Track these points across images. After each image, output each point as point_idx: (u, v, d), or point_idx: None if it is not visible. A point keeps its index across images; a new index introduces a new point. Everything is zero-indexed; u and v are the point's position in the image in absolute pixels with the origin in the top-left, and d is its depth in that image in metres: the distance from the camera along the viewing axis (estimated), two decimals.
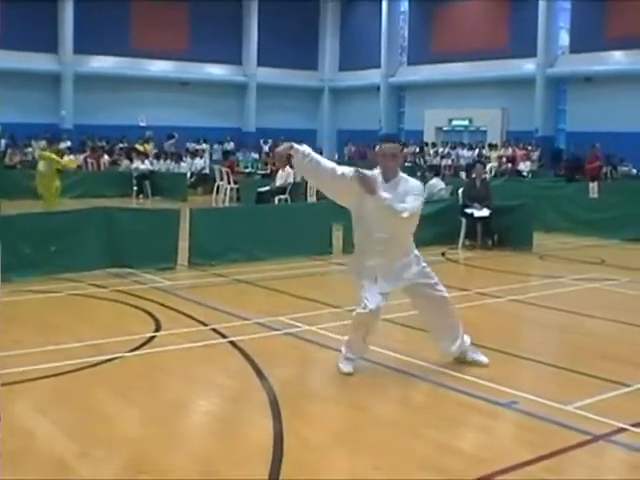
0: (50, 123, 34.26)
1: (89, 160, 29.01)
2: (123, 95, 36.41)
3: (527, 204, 15.02)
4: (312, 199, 18.85)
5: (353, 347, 6.75)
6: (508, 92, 34.43)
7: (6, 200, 17.11)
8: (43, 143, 26.45)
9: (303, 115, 42.16)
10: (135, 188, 23.98)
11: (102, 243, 11.16)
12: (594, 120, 30.93)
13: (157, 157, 28.03)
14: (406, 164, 27.89)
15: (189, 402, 6.14)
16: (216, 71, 39.69)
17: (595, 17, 31.48)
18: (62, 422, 5.51)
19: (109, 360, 6.92)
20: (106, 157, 29.70)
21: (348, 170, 6.62)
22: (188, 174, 26.11)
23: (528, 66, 33.69)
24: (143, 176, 24.35)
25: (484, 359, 6.99)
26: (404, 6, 40.25)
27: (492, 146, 32.92)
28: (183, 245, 11.82)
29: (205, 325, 8.24)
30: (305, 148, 6.53)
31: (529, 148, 31.72)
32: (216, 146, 35.44)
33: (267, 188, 19.77)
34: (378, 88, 39.75)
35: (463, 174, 27.67)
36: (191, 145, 33.60)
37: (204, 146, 33.62)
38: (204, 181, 25.99)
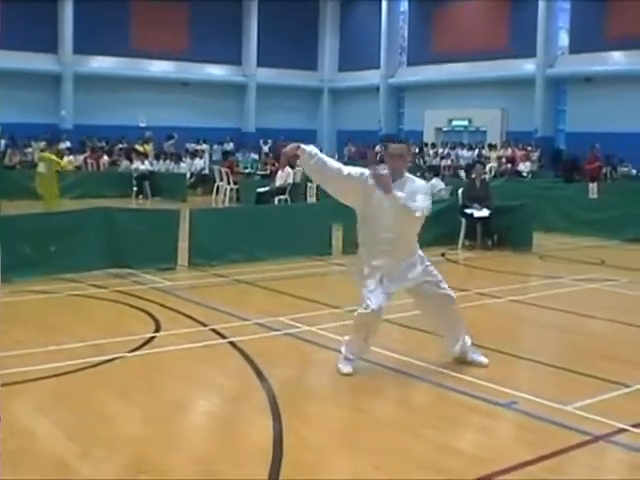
0: (50, 123, 34.26)
1: (89, 160, 29.00)
2: (123, 95, 36.41)
3: (527, 204, 15.02)
4: (312, 199, 18.84)
5: (353, 347, 6.75)
6: (508, 92, 34.43)
7: (6, 200, 17.11)
8: (42, 144, 26.46)
9: (303, 115, 42.16)
10: (135, 188, 23.96)
11: (102, 243, 11.17)
12: (594, 120, 30.93)
13: (157, 157, 28.03)
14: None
15: (189, 402, 6.14)
16: (216, 71, 39.69)
17: (595, 17, 31.48)
18: (62, 422, 5.52)
19: (109, 360, 6.92)
20: (106, 157, 29.69)
21: (354, 170, 6.68)
22: (188, 174, 26.11)
23: (528, 66, 33.68)
24: (143, 176, 24.33)
25: (484, 359, 7.00)
26: (404, 6, 40.24)
27: (492, 146, 32.92)
28: (183, 245, 11.82)
29: (205, 325, 8.24)
30: (312, 148, 6.57)
31: (529, 148, 31.71)
32: (215, 146, 35.44)
33: (267, 188, 19.78)
34: (378, 88, 39.74)
35: (462, 172, 27.74)
36: (191, 145, 33.59)
37: (204, 146, 33.61)
38: (204, 181, 25.99)
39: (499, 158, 31.50)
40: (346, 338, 6.86)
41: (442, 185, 16.79)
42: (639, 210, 16.16)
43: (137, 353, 7.19)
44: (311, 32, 42.47)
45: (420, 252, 6.82)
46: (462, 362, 6.97)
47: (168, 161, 27.69)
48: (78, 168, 26.95)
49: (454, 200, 15.26)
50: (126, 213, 12.30)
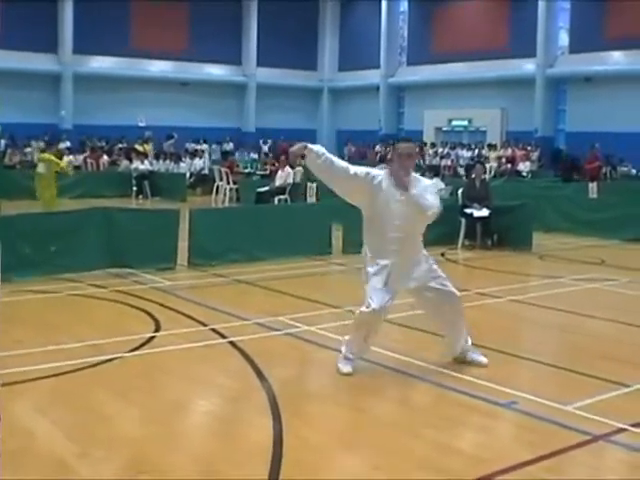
0: (50, 123, 34.25)
1: (88, 160, 29.01)
2: (122, 95, 36.40)
3: (527, 204, 15.02)
4: (312, 199, 18.84)
5: (353, 347, 6.75)
6: (508, 92, 34.42)
7: (6, 200, 17.12)
8: (41, 145, 26.44)
9: (302, 115, 42.15)
10: (134, 188, 23.96)
11: (102, 243, 11.17)
12: (594, 120, 30.92)
13: (156, 157, 28.03)
14: None
15: (189, 402, 6.14)
16: (216, 71, 39.68)
17: (595, 17, 31.48)
18: (62, 422, 5.51)
19: (109, 360, 6.92)
20: (105, 157, 29.70)
21: (360, 170, 6.70)
22: (187, 174, 26.11)
23: (528, 66, 33.68)
24: (142, 176, 24.33)
25: (484, 359, 7.00)
26: (403, 6, 40.22)
27: (491, 146, 32.91)
28: (183, 245, 11.82)
29: (205, 325, 8.24)
30: (319, 148, 6.60)
31: (529, 148, 31.72)
32: (215, 146, 35.43)
33: (266, 188, 19.79)
34: (377, 88, 39.73)
35: (462, 170, 27.79)
36: (190, 145, 33.60)
37: (204, 146, 33.61)
38: (203, 181, 25.99)
39: (499, 158, 31.49)
40: (346, 338, 6.86)
41: (442, 185, 16.73)
42: (639, 210, 16.16)
43: (137, 353, 7.19)
44: (311, 32, 42.46)
45: (424, 251, 6.84)
46: (462, 362, 6.98)
47: (168, 161, 27.70)
48: (77, 168, 26.92)
49: (454, 200, 15.26)
50: (126, 213, 12.30)
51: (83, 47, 34.98)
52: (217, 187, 23.44)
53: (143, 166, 24.92)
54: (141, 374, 6.65)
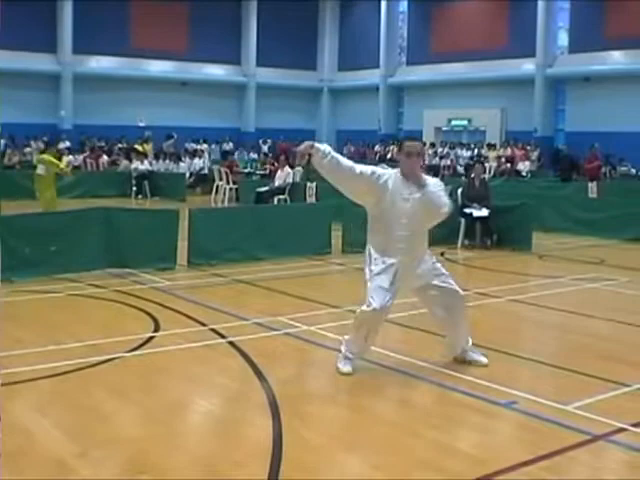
0: (49, 123, 34.26)
1: (88, 160, 29.02)
2: (122, 95, 36.39)
3: (526, 204, 15.01)
4: (311, 199, 18.86)
5: (353, 346, 6.74)
6: (507, 92, 34.43)
7: (5, 200, 17.11)
8: (41, 145, 26.41)
9: (302, 115, 42.15)
10: (134, 188, 23.97)
11: (101, 243, 11.17)
12: (593, 120, 30.95)
13: (156, 157, 28.03)
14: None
15: (188, 402, 6.14)
16: (215, 71, 39.67)
17: (594, 17, 31.48)
18: (62, 422, 5.51)
19: (108, 360, 6.91)
20: (105, 157, 29.71)
21: (366, 169, 6.71)
22: (187, 174, 26.11)
23: (527, 66, 33.69)
24: (142, 176, 24.33)
25: (483, 359, 7.00)
26: (403, 6, 40.22)
27: (491, 146, 32.91)
28: (182, 245, 11.82)
29: (204, 325, 8.24)
30: (325, 147, 6.60)
31: (528, 148, 31.72)
32: (214, 146, 35.42)
33: (266, 188, 19.79)
34: (377, 88, 39.74)
35: (461, 169, 27.77)
36: (190, 145, 33.60)
37: (204, 146, 33.61)
38: (203, 181, 26.00)
39: (498, 158, 31.49)
40: (346, 337, 6.85)
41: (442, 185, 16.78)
42: (638, 209, 16.16)
43: (136, 353, 7.19)
44: (310, 32, 42.46)
45: (428, 250, 6.87)
46: (462, 362, 6.98)
47: (167, 161, 27.70)
48: (77, 168, 26.91)
49: (453, 200, 15.22)
50: (125, 213, 12.29)
51: (83, 47, 34.97)
52: (217, 187, 23.45)
53: (143, 166, 24.92)
54: (140, 374, 6.65)
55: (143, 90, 37.00)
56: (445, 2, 37.14)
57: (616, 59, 31.40)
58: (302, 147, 6.67)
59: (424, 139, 36.31)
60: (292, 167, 19.88)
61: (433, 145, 35.38)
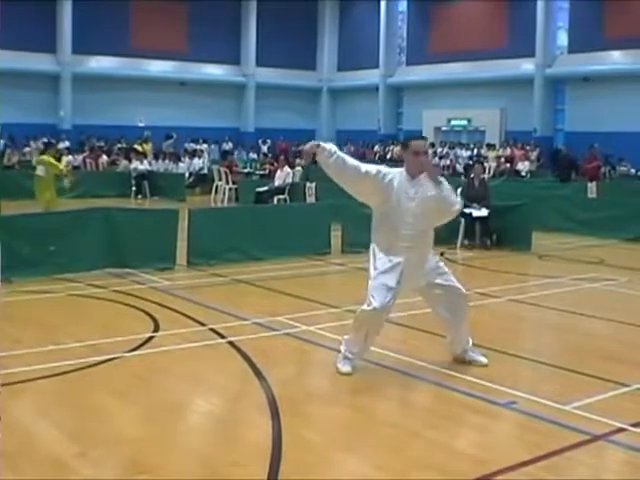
0: (49, 123, 34.27)
1: (88, 160, 29.01)
2: (122, 95, 36.39)
3: (526, 204, 15.00)
4: (311, 199, 18.86)
5: (353, 346, 6.73)
6: (507, 92, 34.43)
7: (5, 200, 17.09)
8: (40, 145, 26.37)
9: (302, 115, 42.16)
10: (134, 188, 23.96)
11: (101, 243, 11.16)
12: (592, 120, 30.96)
13: (156, 157, 28.02)
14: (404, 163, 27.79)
15: (188, 402, 6.14)
16: (215, 71, 39.67)
17: (593, 17, 31.49)
18: (61, 422, 5.51)
19: (108, 360, 6.91)
20: (105, 157, 29.70)
21: (372, 168, 6.73)
22: (186, 174, 26.11)
23: (527, 66, 33.69)
24: (142, 176, 24.32)
25: (483, 359, 7.00)
26: (402, 6, 40.23)
27: (490, 146, 32.92)
28: (182, 245, 11.81)
29: (204, 325, 8.23)
30: (331, 147, 6.61)
31: (527, 148, 31.73)
32: (213, 146, 35.40)
33: (266, 188, 19.80)
34: (377, 88, 39.74)
35: (460, 167, 27.73)
36: (189, 145, 33.59)
37: (204, 146, 33.60)
38: (202, 181, 26.00)
39: (498, 158, 31.50)
40: (346, 337, 6.85)
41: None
42: (638, 209, 16.17)
43: (136, 353, 7.18)
44: (310, 32, 42.46)
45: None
46: (462, 362, 6.98)
47: (167, 161, 27.70)
48: (77, 168, 26.90)
49: None
50: (125, 213, 12.28)
51: (82, 47, 34.96)
52: (216, 187, 23.45)
53: (142, 166, 24.91)
54: (140, 374, 6.64)
55: (142, 90, 37.00)
56: (445, 2, 37.15)
57: (615, 59, 31.40)
58: (308, 146, 6.69)
59: None
60: (292, 167, 19.88)
61: (433, 145, 35.30)
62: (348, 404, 6.06)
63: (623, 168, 29.15)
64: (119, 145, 32.26)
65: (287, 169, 20.13)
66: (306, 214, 13.87)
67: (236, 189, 22.68)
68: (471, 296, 9.78)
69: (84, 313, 8.94)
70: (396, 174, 6.70)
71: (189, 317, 8.59)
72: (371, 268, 6.71)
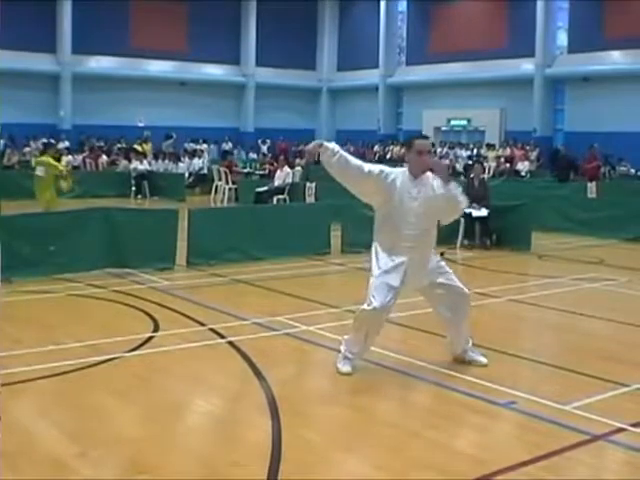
0: (49, 123, 34.26)
1: (87, 160, 29.00)
2: (121, 95, 36.38)
3: (525, 204, 15.00)
4: (310, 199, 18.85)
5: (353, 346, 6.73)
6: (506, 92, 34.44)
7: (5, 200, 17.09)
8: (40, 145, 26.35)
9: (301, 115, 42.16)
10: (133, 188, 23.97)
11: (101, 243, 11.16)
12: (592, 120, 30.96)
13: (155, 157, 28.02)
14: (403, 163, 27.83)
15: (188, 402, 6.14)
16: (214, 71, 39.67)
17: (593, 17, 31.49)
18: (61, 422, 5.51)
19: (108, 360, 6.91)
20: (104, 157, 29.70)
21: (375, 167, 6.75)
22: (186, 174, 26.10)
23: (526, 66, 33.70)
24: (141, 176, 24.32)
25: (483, 359, 7.00)
26: (402, 6, 40.23)
27: (490, 146, 32.91)
28: (181, 245, 11.81)
29: (203, 325, 8.23)
30: (334, 146, 6.62)
31: (527, 148, 31.73)
32: (212, 146, 35.39)
33: (265, 188, 19.79)
34: (376, 88, 39.74)
35: (460, 166, 27.70)
36: (189, 145, 33.58)
37: (204, 146, 33.59)
38: (202, 181, 26.00)
39: (498, 158, 31.50)
40: (345, 337, 6.85)
41: None
42: (637, 209, 16.17)
43: (136, 353, 7.19)
44: (310, 32, 42.46)
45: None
46: (461, 361, 6.98)
47: (167, 161, 27.69)
48: (76, 168, 26.89)
49: None
50: (125, 213, 12.27)
51: (82, 47, 34.96)
52: (216, 187, 23.45)
53: (142, 166, 24.90)
54: (140, 374, 6.64)
55: (142, 90, 36.99)
56: (444, 2, 37.15)
57: (615, 59, 31.40)
58: (311, 146, 6.71)
59: None
60: (291, 167, 19.88)
61: (433, 145, 35.25)
62: (348, 404, 6.06)
63: (623, 168, 29.15)
64: (119, 145, 32.25)
65: (287, 169, 20.13)
66: (306, 214, 13.87)
67: (236, 189, 22.67)
68: (471, 296, 9.81)
69: (84, 313, 8.94)
70: (399, 174, 6.71)
71: (189, 317, 8.59)
72: (374, 267, 6.70)
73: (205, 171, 26.74)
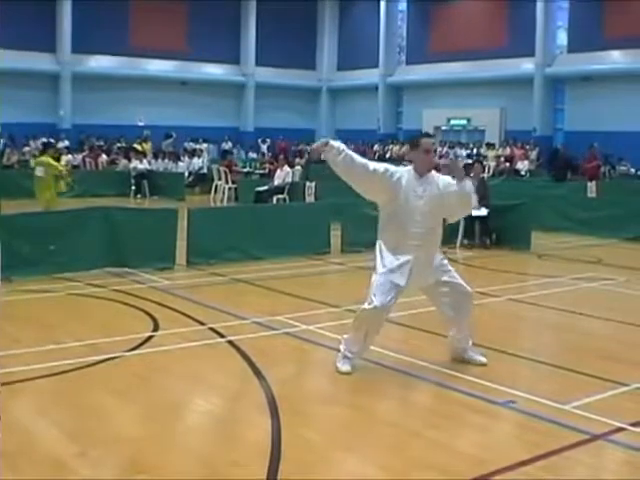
0: (48, 123, 34.24)
1: (87, 159, 29.01)
2: (121, 94, 36.36)
3: (525, 203, 15.01)
4: (310, 199, 18.85)
5: (353, 345, 6.73)
6: (506, 91, 34.44)
7: (5, 200, 17.09)
8: (39, 145, 26.34)
9: (301, 115, 42.14)
10: (133, 187, 23.97)
11: (100, 242, 11.17)
12: (592, 119, 30.96)
13: (155, 157, 28.03)
14: (404, 163, 27.85)
15: (187, 402, 6.14)
16: (214, 71, 39.65)
17: (593, 16, 31.48)
18: (61, 422, 5.51)
19: (107, 360, 6.91)
20: (104, 156, 29.71)
21: (380, 166, 6.77)
22: (186, 174, 26.10)
23: (526, 65, 33.69)
24: (141, 175, 24.33)
25: (482, 358, 7.00)
26: (402, 5, 40.22)
27: (490, 145, 32.91)
28: (181, 245, 11.81)
29: (203, 325, 8.24)
30: (340, 144, 6.64)
31: (527, 147, 31.73)
32: (212, 146, 35.36)
33: (265, 188, 19.79)
34: (376, 87, 39.73)
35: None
36: (189, 145, 33.58)
37: (203, 145, 33.59)
38: (202, 180, 25.99)
39: (497, 157, 31.50)
40: (345, 336, 6.85)
41: None
42: (637, 209, 16.17)
43: (135, 352, 7.19)
44: (310, 31, 42.45)
45: None
46: (461, 361, 6.98)
47: (166, 160, 27.69)
48: (76, 167, 26.90)
49: None
50: (124, 212, 12.28)
51: (82, 46, 34.93)
52: (216, 186, 23.45)
53: (142, 165, 24.91)
54: (139, 373, 6.65)
55: (142, 89, 36.97)
56: (444, 1, 37.14)
57: (615, 59, 31.39)
58: (316, 145, 6.74)
59: None
60: (291, 166, 19.87)
61: (433, 144, 35.29)
62: (348, 403, 6.06)
63: (623, 167, 29.15)
64: (119, 144, 32.25)
65: (287, 168, 20.13)
66: (306, 213, 13.87)
67: (235, 188, 22.67)
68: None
69: (84, 312, 8.94)
70: (404, 172, 6.74)
71: (189, 316, 8.59)
72: (378, 265, 6.69)
73: (205, 170, 26.74)
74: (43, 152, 16.96)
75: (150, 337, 7.70)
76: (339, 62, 42.89)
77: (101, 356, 6.98)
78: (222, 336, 7.78)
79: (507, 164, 30.68)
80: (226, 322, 8.37)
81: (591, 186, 21.16)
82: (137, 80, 36.86)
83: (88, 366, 6.72)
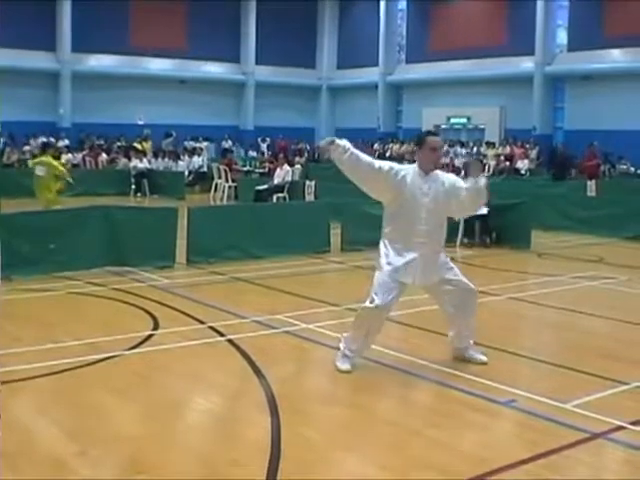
0: (48, 121, 34.22)
1: (87, 158, 29.00)
2: (121, 93, 36.33)
3: (525, 202, 15.00)
4: (310, 197, 18.85)
5: (352, 344, 6.73)
6: (506, 90, 34.40)
7: (4, 198, 17.08)
8: (39, 143, 26.33)
9: (301, 113, 42.11)
10: (133, 186, 23.97)
11: (100, 241, 11.17)
12: (592, 118, 30.93)
13: (155, 155, 28.02)
14: (404, 162, 27.85)
15: (187, 400, 6.14)
16: (214, 69, 39.62)
17: (593, 15, 31.45)
18: (61, 421, 5.51)
19: (108, 358, 6.91)
20: (104, 155, 29.69)
21: (385, 164, 6.80)
22: (186, 172, 26.10)
23: (526, 64, 33.65)
24: (141, 174, 24.33)
25: (483, 357, 7.00)
26: (402, 4, 40.18)
27: (489, 144, 32.90)
28: (181, 243, 11.81)
29: (203, 323, 8.24)
30: (345, 143, 6.65)
31: (527, 146, 31.71)
32: (211, 145, 35.31)
33: (265, 186, 19.78)
34: (376, 86, 39.71)
35: (459, 162, 27.68)
36: (189, 143, 33.56)
37: (204, 144, 33.56)
38: (202, 179, 25.99)
39: (497, 156, 31.48)
40: (345, 335, 6.84)
41: None
42: (637, 208, 16.16)
43: (135, 351, 7.19)
44: (310, 30, 42.41)
45: None
46: (461, 360, 6.98)
47: (166, 159, 27.69)
48: (76, 166, 26.89)
49: None
50: (124, 211, 12.27)
51: (82, 45, 34.90)
52: (216, 185, 23.44)
53: (142, 164, 24.91)
54: (139, 372, 6.64)
55: (142, 88, 36.94)
56: (444, 0, 37.09)
57: (615, 57, 31.36)
58: (323, 143, 6.76)
59: None
60: (291, 165, 19.87)
61: None
62: (348, 402, 6.06)
63: (623, 166, 29.13)
64: (119, 143, 32.24)
65: (286, 167, 20.12)
66: (305, 212, 13.86)
67: (235, 187, 22.67)
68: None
69: (83, 311, 8.94)
70: (409, 170, 6.75)
71: (188, 315, 8.59)
72: (382, 263, 6.68)
73: (205, 169, 26.73)
74: (43, 152, 16.96)
75: (150, 336, 7.70)
76: (339, 61, 42.85)
77: (101, 355, 6.98)
78: (222, 335, 7.78)
79: (507, 163, 30.65)
80: (226, 321, 8.37)
81: (591, 185, 21.14)
82: (137, 79, 36.84)
83: (88, 365, 6.72)
